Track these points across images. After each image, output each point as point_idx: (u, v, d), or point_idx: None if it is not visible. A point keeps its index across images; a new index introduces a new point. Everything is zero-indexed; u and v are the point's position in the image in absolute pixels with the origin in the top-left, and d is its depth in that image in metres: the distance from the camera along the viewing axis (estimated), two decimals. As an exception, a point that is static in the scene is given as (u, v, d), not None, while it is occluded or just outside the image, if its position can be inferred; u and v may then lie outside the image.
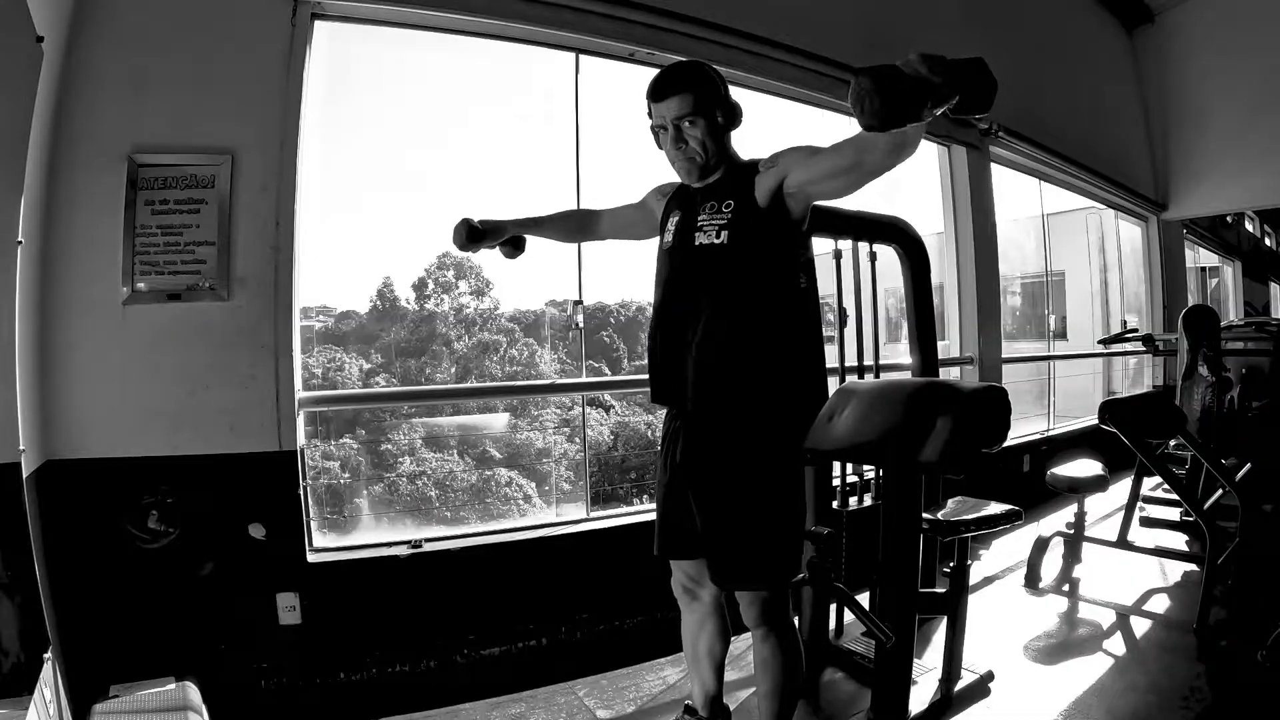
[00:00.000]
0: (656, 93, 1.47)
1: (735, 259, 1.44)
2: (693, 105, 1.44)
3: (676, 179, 1.64)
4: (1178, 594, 2.83)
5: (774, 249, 1.45)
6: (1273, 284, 11.54)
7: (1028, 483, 3.99)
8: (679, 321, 1.50)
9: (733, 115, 1.50)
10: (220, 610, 2.10)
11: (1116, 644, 2.45)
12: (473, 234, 1.67)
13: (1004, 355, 4.31)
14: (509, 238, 1.74)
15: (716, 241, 1.45)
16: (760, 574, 1.49)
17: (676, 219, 1.56)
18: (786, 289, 1.47)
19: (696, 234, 1.49)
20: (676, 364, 1.50)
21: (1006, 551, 3.38)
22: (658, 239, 1.63)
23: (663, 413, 1.67)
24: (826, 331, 1.70)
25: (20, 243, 1.62)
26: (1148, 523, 3.42)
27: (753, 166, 1.48)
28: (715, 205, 1.48)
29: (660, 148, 1.54)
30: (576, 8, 2.58)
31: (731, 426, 1.47)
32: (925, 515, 2.03)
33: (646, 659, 2.35)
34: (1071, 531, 3.06)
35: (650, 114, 1.50)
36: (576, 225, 1.86)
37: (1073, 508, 3.11)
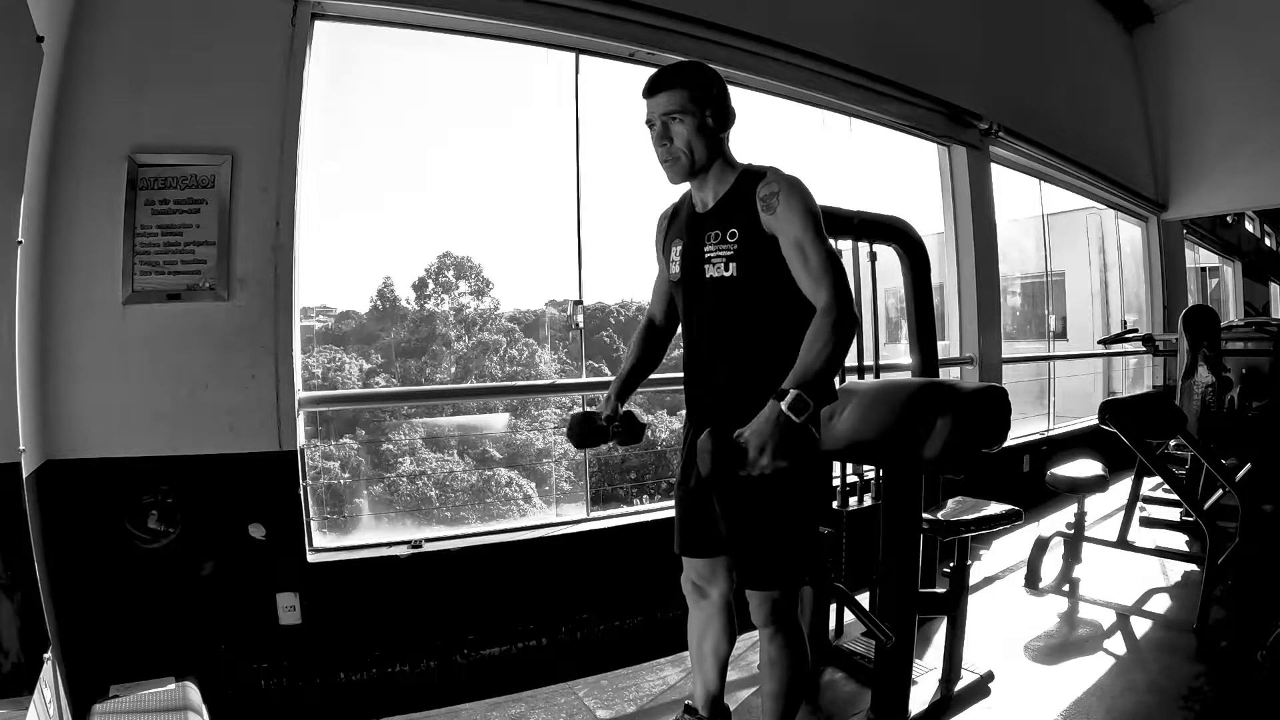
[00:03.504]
0: (648, 89, 1.48)
1: (746, 290, 1.45)
2: (680, 102, 1.44)
3: (666, 207, 1.65)
4: (1178, 594, 2.83)
5: (782, 272, 1.44)
6: (1273, 284, 11.54)
7: (1028, 483, 3.99)
8: (704, 356, 1.53)
9: (724, 117, 1.49)
10: (220, 610, 2.10)
11: (1116, 644, 2.45)
12: (588, 434, 1.65)
13: (1004, 355, 4.31)
14: (622, 416, 1.67)
15: (726, 275, 1.45)
16: (779, 575, 1.50)
17: (679, 248, 1.55)
18: (797, 305, 1.46)
19: (706, 266, 1.48)
20: (707, 397, 1.54)
21: (1006, 551, 3.38)
22: (666, 268, 1.62)
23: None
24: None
25: (20, 243, 1.62)
26: (1148, 523, 3.42)
27: (753, 185, 1.45)
28: (720, 235, 1.47)
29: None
30: (576, 8, 2.57)
31: None
32: (925, 515, 2.03)
33: (646, 659, 2.35)
34: (1071, 531, 3.06)
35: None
36: (656, 341, 1.76)
37: (1073, 508, 3.11)
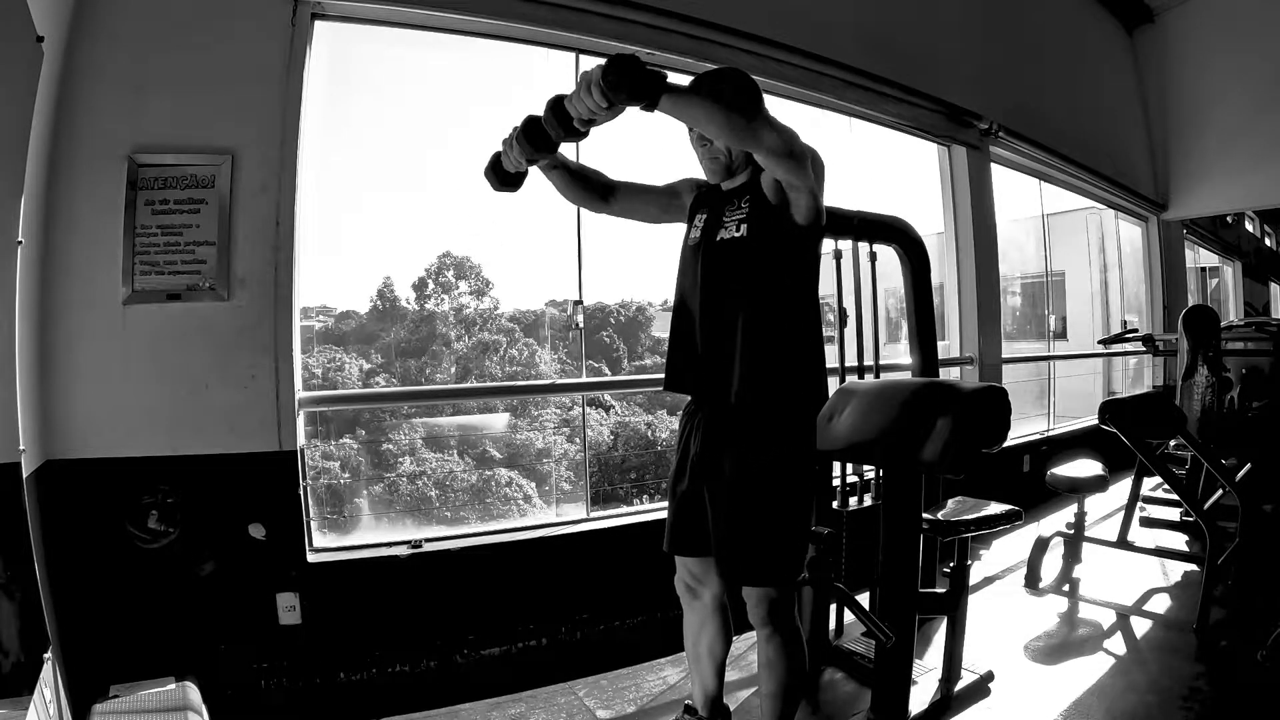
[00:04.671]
0: None
1: (753, 250, 1.48)
2: None
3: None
4: (1178, 594, 2.83)
5: (787, 242, 1.48)
6: (1273, 284, 11.55)
7: (1028, 483, 3.99)
8: (704, 314, 1.53)
9: None
10: (220, 610, 2.10)
11: (1116, 644, 2.45)
12: (536, 138, 1.39)
13: (1004, 355, 4.31)
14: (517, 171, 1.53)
15: (736, 235, 1.50)
16: (768, 571, 1.50)
17: (704, 217, 1.60)
18: (799, 285, 1.50)
19: (720, 230, 1.54)
20: (703, 355, 1.52)
21: (1006, 551, 3.38)
22: (683, 235, 1.65)
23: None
24: (826, 332, 1.71)
25: (20, 243, 1.62)
26: (1148, 523, 3.42)
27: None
28: (736, 203, 1.54)
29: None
30: (576, 8, 2.57)
31: (748, 423, 1.49)
32: (925, 515, 2.03)
33: (646, 659, 2.35)
34: (1071, 531, 3.07)
35: None
36: (595, 187, 1.68)
37: (1073, 508, 3.11)
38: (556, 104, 1.31)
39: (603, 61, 1.23)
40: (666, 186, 1.76)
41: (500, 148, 1.49)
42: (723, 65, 1.61)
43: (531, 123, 1.38)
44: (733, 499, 1.49)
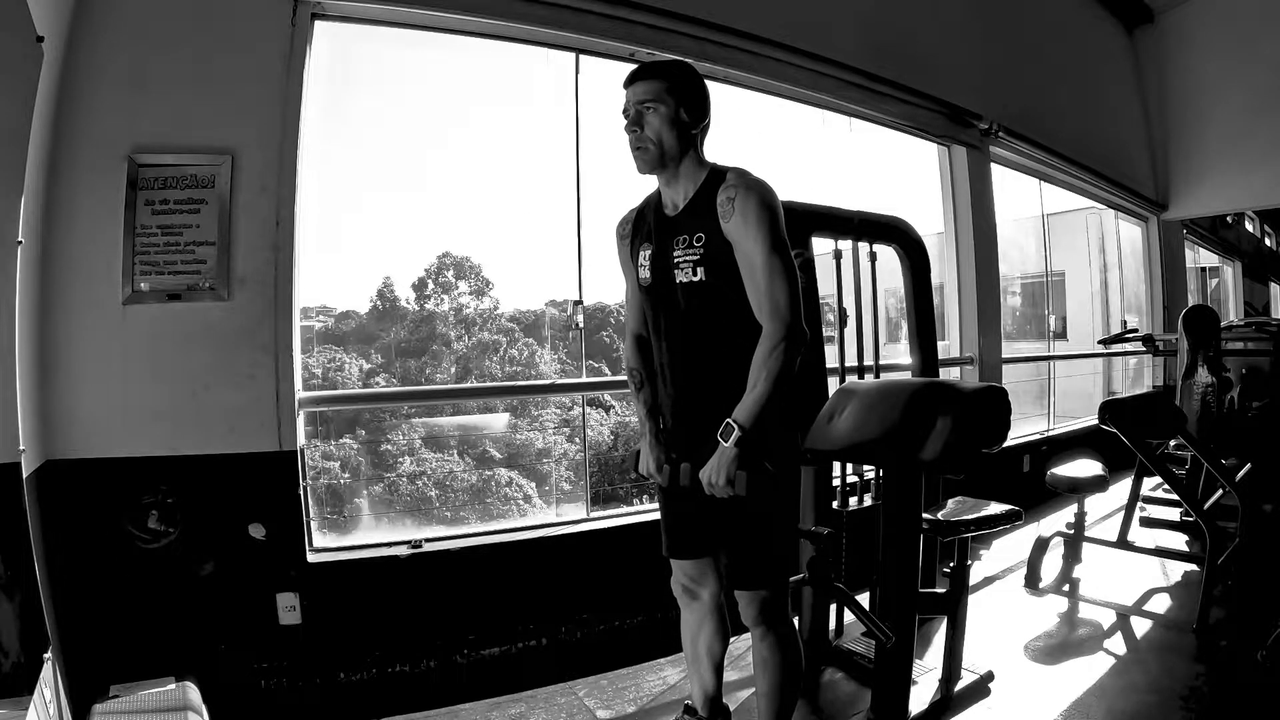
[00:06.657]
0: (628, 79, 1.49)
1: (715, 292, 1.44)
2: (655, 92, 1.45)
3: (626, 212, 1.65)
4: (1178, 594, 2.83)
5: None
6: (1273, 284, 11.54)
7: (1028, 483, 3.99)
8: (674, 360, 1.52)
9: (698, 115, 1.48)
10: (220, 610, 2.10)
11: (1116, 644, 2.45)
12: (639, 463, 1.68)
13: (1004, 355, 4.31)
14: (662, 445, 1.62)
15: (695, 279, 1.45)
16: (759, 575, 1.51)
17: (649, 252, 1.53)
18: None
19: (675, 271, 1.47)
20: (685, 400, 1.53)
21: (1006, 551, 3.38)
22: (635, 274, 1.59)
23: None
24: (826, 332, 1.70)
25: (20, 243, 1.62)
26: (1148, 523, 3.42)
27: (715, 187, 1.45)
28: (687, 239, 1.46)
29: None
30: (576, 8, 2.57)
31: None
32: (925, 515, 2.03)
33: (646, 659, 2.35)
34: (1071, 531, 3.07)
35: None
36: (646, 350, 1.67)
37: (1073, 508, 3.11)
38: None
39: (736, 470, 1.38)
40: (626, 270, 1.66)
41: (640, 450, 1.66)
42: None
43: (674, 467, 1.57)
44: (722, 506, 1.49)
